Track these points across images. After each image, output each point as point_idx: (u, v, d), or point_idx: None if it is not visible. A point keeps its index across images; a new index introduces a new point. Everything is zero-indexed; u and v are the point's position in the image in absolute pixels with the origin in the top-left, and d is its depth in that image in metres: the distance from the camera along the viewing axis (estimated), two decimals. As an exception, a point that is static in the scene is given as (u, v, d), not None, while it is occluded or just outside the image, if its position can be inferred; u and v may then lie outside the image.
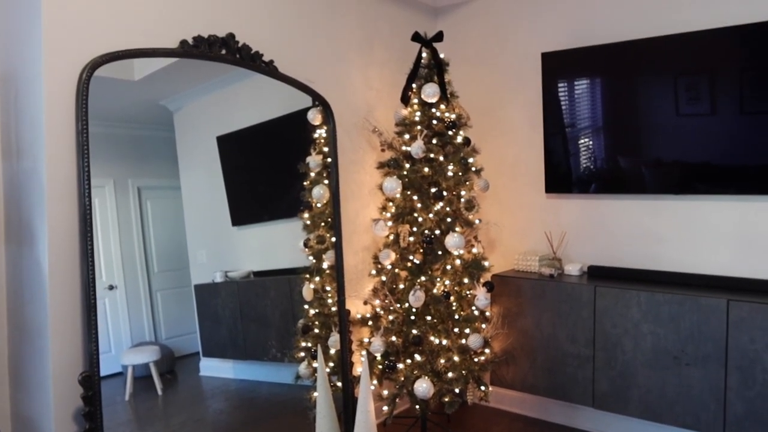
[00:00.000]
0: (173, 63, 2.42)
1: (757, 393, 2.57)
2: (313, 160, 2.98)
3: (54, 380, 2.04)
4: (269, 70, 2.72)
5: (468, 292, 3.05)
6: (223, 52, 2.53)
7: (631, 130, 3.13)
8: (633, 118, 3.11)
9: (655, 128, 3.04)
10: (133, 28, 2.28)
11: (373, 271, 3.11)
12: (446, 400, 2.93)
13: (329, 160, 2.98)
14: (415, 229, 2.98)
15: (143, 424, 2.42)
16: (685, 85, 2.95)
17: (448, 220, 2.99)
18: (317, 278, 2.98)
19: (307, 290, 2.96)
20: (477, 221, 3.09)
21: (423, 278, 2.98)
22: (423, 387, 2.82)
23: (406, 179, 2.99)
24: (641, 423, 2.99)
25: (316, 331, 2.98)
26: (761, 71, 2.73)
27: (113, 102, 2.28)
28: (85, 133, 2.07)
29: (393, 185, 2.95)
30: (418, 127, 3.01)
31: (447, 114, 3.04)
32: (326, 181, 2.99)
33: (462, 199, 3.04)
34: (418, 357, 2.95)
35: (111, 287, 2.30)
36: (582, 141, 3.32)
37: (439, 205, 2.97)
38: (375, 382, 3.04)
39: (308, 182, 2.98)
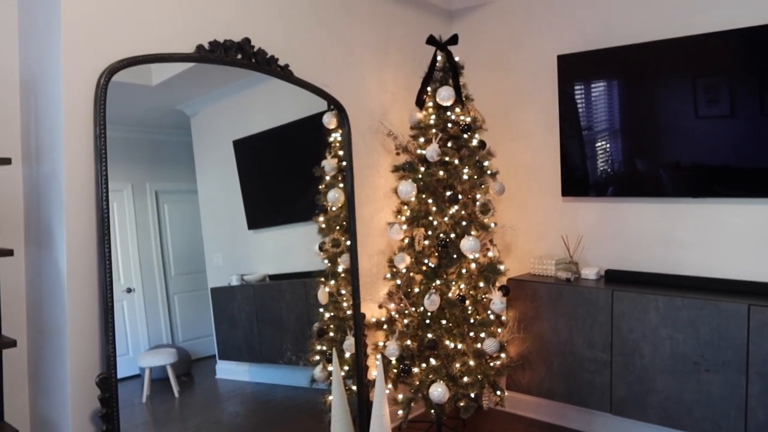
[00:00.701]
0: (190, 68, 2.45)
1: (779, 400, 2.52)
2: (329, 164, 2.99)
3: (72, 382, 2.06)
4: (285, 74, 2.73)
5: (483, 296, 3.03)
6: (239, 56, 2.55)
7: (648, 133, 3.10)
8: (651, 121, 3.08)
9: (674, 130, 3.01)
10: (150, 33, 2.30)
11: (388, 275, 3.10)
12: (461, 404, 2.91)
13: (344, 163, 2.99)
14: (430, 232, 2.97)
15: (160, 426, 2.44)
16: (704, 87, 2.91)
17: (464, 223, 2.98)
18: (332, 282, 2.98)
19: (323, 293, 2.97)
20: (492, 225, 3.08)
21: (438, 282, 2.97)
22: (438, 391, 2.81)
23: (421, 182, 2.99)
24: (660, 429, 2.95)
25: (331, 334, 2.98)
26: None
27: (131, 107, 2.31)
28: (103, 137, 2.09)
29: (408, 188, 2.95)
30: (433, 131, 3.00)
31: (462, 117, 3.03)
32: (341, 185, 3.00)
33: (477, 203, 3.03)
34: (433, 361, 2.94)
35: (129, 290, 2.33)
36: (599, 144, 3.29)
37: (454, 209, 2.96)
38: (390, 385, 3.04)
39: (323, 186, 2.99)
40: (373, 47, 3.34)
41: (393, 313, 3.08)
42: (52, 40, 2.08)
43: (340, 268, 2.99)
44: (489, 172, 3.08)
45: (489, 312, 3.02)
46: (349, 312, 2.98)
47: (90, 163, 2.11)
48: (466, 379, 2.90)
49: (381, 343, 3.06)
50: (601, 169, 3.29)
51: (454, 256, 2.99)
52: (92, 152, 2.11)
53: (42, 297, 2.19)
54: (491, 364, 3.03)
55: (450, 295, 2.94)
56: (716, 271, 2.99)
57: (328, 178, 2.99)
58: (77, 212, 2.08)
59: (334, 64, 3.10)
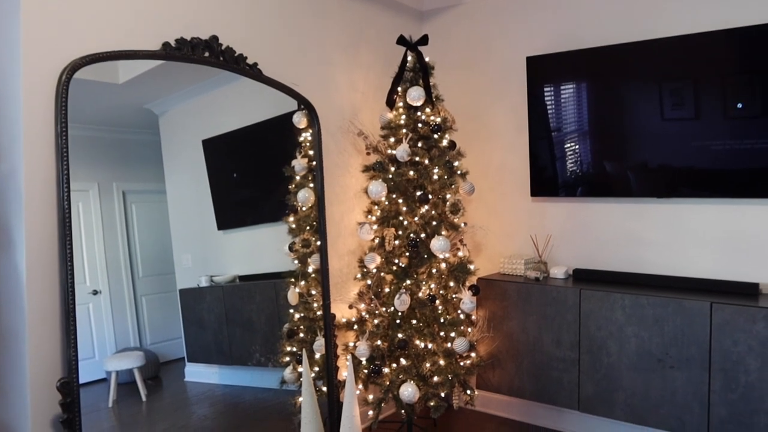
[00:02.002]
0: (158, 66, 2.41)
1: (740, 395, 2.58)
2: (299, 164, 2.97)
3: (31, 386, 2.01)
4: (253, 73, 2.71)
5: (454, 296, 3.05)
6: (207, 54, 2.51)
7: (616, 134, 3.15)
8: (619, 123, 3.13)
9: (641, 133, 3.06)
10: (115, 30, 2.26)
11: (359, 275, 3.10)
12: (432, 404, 2.92)
13: (314, 163, 2.98)
14: (400, 232, 2.98)
15: (126, 430, 2.40)
16: (670, 90, 2.97)
17: (434, 223, 2.99)
18: (302, 282, 2.96)
19: (293, 294, 2.95)
20: (462, 225, 3.10)
21: (408, 282, 2.97)
22: (408, 391, 2.81)
23: (392, 183, 2.99)
24: (626, 426, 3.00)
25: (302, 335, 2.96)
26: (744, 76, 2.76)
27: (98, 105, 2.27)
28: (64, 135, 2.04)
29: (378, 189, 2.95)
30: (404, 131, 3.01)
31: (432, 117, 3.04)
32: (311, 185, 2.98)
33: (447, 203, 3.04)
34: (403, 361, 2.94)
35: (95, 292, 2.28)
36: (568, 145, 3.34)
37: (424, 209, 2.97)
38: (360, 386, 3.03)
39: (293, 186, 2.97)
40: (343, 47, 3.33)
41: (363, 313, 3.07)
42: (11, 35, 2.02)
43: (310, 269, 2.97)
44: (459, 172, 3.10)
45: (459, 311, 3.03)
46: (319, 312, 2.97)
47: (51, 162, 2.06)
48: (436, 378, 2.91)
49: (351, 344, 3.05)
50: (570, 169, 3.33)
51: (425, 255, 2.99)
52: (53, 151, 2.06)
53: (0, 299, 2.13)
54: (461, 364, 3.05)
55: (420, 294, 2.95)
56: (680, 270, 3.06)
57: (298, 177, 2.98)
58: (37, 212, 2.03)
59: (303, 64, 3.08)
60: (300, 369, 2.84)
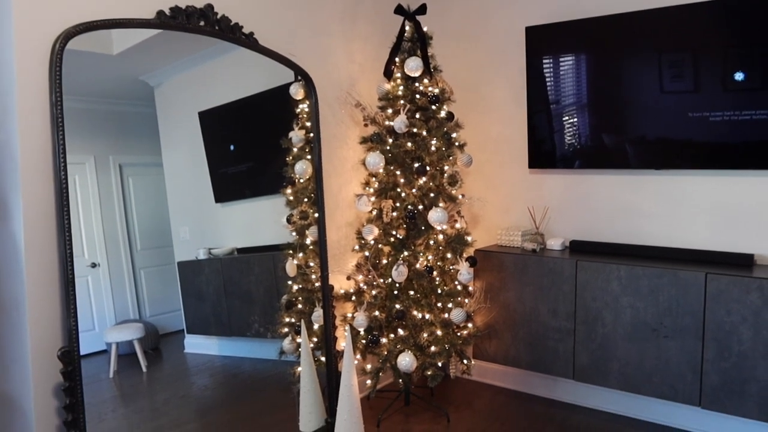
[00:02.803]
0: (153, 36, 2.38)
1: (732, 364, 2.62)
2: (296, 135, 2.96)
3: (33, 356, 2.03)
4: (249, 42, 2.68)
5: (451, 267, 3.06)
6: (202, 23, 2.48)
7: (615, 107, 3.13)
8: (618, 95, 3.11)
9: (640, 105, 3.05)
10: (108, -2, 2.23)
11: (357, 247, 3.11)
12: (429, 373, 2.96)
13: (312, 135, 2.96)
14: (398, 204, 2.98)
15: (127, 400, 2.43)
16: (669, 62, 2.94)
17: (431, 195, 2.99)
18: (300, 254, 2.97)
19: (291, 266, 2.96)
20: (460, 196, 3.10)
21: (406, 253, 2.98)
22: (406, 361, 2.85)
23: (389, 154, 2.98)
24: (620, 394, 3.05)
25: (300, 306, 2.98)
26: (744, 48, 2.73)
27: (92, 77, 2.24)
28: (59, 105, 2.03)
29: (376, 160, 2.94)
30: (401, 102, 2.99)
31: (430, 88, 3.02)
32: (309, 157, 2.97)
33: (445, 174, 3.04)
34: (401, 331, 2.97)
35: (94, 265, 2.28)
36: (566, 118, 3.32)
37: (422, 180, 2.97)
38: (358, 356, 3.06)
39: (291, 158, 2.96)
40: (340, 17, 3.29)
41: (361, 284, 3.09)
42: (3, 4, 1.99)
43: (308, 241, 2.98)
44: (457, 143, 3.09)
45: (456, 283, 3.05)
46: (317, 284, 2.99)
47: (47, 132, 2.05)
48: (433, 348, 2.94)
49: (349, 315, 3.08)
50: (569, 142, 3.33)
51: (422, 227, 3.00)
52: (48, 121, 2.05)
53: (-1, 270, 2.14)
54: (458, 334, 3.08)
55: (418, 266, 2.97)
56: (676, 241, 3.07)
57: (295, 149, 2.96)
58: (34, 183, 2.02)
59: (300, 34, 3.05)
60: (298, 340, 2.86)
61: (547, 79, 3.33)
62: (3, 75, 2.03)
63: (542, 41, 3.31)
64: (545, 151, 3.39)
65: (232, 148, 2.82)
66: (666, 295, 2.78)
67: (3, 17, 2.00)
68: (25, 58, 1.99)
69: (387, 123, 3.02)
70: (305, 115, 2.97)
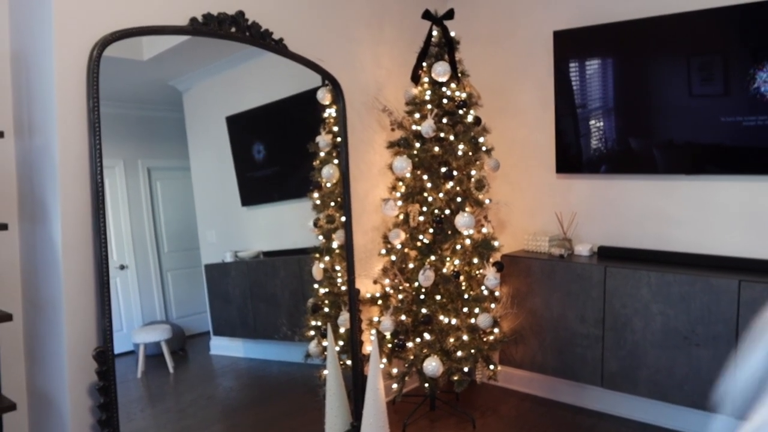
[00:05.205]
0: (182, 42, 2.41)
1: (767, 373, 2.57)
2: (323, 140, 2.97)
3: (69, 355, 2.06)
4: (279, 48, 2.70)
5: (478, 272, 3.05)
6: (233, 30, 2.51)
7: (642, 111, 3.10)
8: (645, 99, 3.08)
9: (668, 109, 3.01)
10: (143, 5, 2.26)
11: (383, 251, 3.11)
12: (455, 378, 2.95)
13: (339, 139, 2.98)
14: (425, 208, 2.98)
15: (155, 401, 2.46)
16: (698, 65, 2.91)
17: (458, 199, 2.98)
18: (327, 258, 2.99)
19: (317, 270, 2.98)
20: (487, 201, 3.09)
21: (433, 258, 2.98)
22: (432, 366, 2.84)
23: (416, 159, 2.98)
24: (650, 403, 3.00)
25: (326, 310, 2.99)
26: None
27: (122, 82, 2.28)
28: (96, 111, 2.07)
29: (403, 165, 2.95)
30: (429, 106, 2.99)
31: (457, 93, 3.02)
32: (336, 161, 2.99)
33: (472, 179, 3.04)
34: (427, 336, 2.97)
35: (122, 267, 2.32)
36: (593, 122, 3.30)
37: (449, 185, 2.97)
38: (384, 360, 3.06)
39: (318, 162, 2.98)
40: (367, 22, 3.30)
41: (387, 288, 3.10)
42: (44, 12, 2.04)
43: (334, 244, 2.99)
44: (484, 148, 3.08)
45: (483, 288, 3.04)
46: (343, 288, 3.00)
47: (84, 137, 2.09)
48: (459, 353, 2.93)
49: (375, 319, 3.08)
50: (595, 146, 3.30)
51: (449, 232, 3.00)
52: (86, 126, 2.09)
53: (37, 271, 2.18)
54: (484, 339, 3.07)
55: (444, 270, 2.96)
56: (708, 248, 3.02)
57: (322, 154, 2.98)
58: (71, 186, 2.06)
59: (328, 39, 3.07)
60: (324, 343, 2.87)
61: (574, 83, 3.31)
62: (43, 81, 2.08)
63: (569, 45, 3.29)
64: (572, 155, 3.37)
65: (259, 152, 2.84)
66: (698, 303, 2.73)
67: (43, 25, 2.05)
68: (64, 65, 2.04)
69: (414, 127, 3.02)
70: (332, 120, 2.99)
